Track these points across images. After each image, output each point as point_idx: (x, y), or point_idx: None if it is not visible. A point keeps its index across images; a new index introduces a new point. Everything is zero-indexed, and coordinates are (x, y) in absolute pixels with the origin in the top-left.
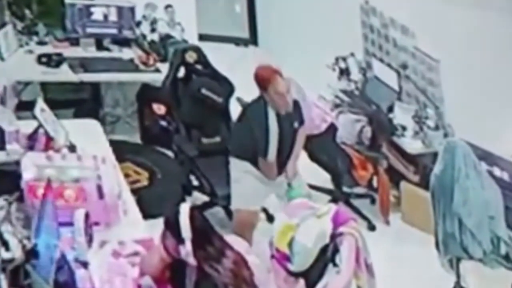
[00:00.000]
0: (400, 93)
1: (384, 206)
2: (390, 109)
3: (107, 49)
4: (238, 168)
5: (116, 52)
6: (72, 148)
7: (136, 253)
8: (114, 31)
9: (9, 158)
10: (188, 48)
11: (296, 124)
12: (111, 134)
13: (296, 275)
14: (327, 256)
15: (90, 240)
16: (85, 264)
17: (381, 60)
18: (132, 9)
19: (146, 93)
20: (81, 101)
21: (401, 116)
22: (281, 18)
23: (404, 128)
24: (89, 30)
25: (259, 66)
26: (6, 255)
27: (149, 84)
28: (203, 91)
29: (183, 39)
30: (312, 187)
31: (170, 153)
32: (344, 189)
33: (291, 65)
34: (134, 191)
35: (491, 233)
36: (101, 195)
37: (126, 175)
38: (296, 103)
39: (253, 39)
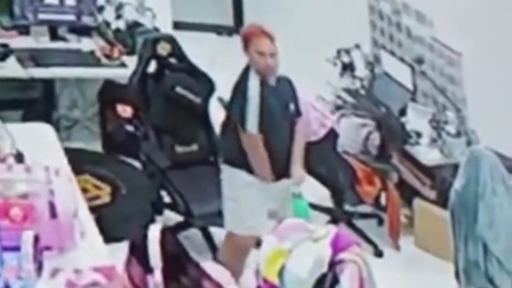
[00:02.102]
0: (414, 93)
1: (393, 228)
2: (403, 111)
3: (63, 39)
4: (233, 181)
5: (74, 43)
6: (19, 158)
7: (94, 284)
8: (71, 17)
9: None
10: (161, 38)
11: (292, 107)
12: (66, 141)
13: None
14: None
15: (39, 268)
16: None
17: (392, 53)
18: None
19: (110, 92)
20: (31, 101)
21: (416, 120)
22: (272, 3)
23: (419, 135)
24: (42, 16)
25: (248, 25)
26: None
27: (113, 81)
28: (178, 89)
29: (155, 27)
30: (309, 205)
31: (137, 164)
32: (346, 207)
33: (284, 58)
34: (93, 209)
35: None
36: (53, 214)
37: (84, 190)
38: (288, 82)
39: (238, 27)
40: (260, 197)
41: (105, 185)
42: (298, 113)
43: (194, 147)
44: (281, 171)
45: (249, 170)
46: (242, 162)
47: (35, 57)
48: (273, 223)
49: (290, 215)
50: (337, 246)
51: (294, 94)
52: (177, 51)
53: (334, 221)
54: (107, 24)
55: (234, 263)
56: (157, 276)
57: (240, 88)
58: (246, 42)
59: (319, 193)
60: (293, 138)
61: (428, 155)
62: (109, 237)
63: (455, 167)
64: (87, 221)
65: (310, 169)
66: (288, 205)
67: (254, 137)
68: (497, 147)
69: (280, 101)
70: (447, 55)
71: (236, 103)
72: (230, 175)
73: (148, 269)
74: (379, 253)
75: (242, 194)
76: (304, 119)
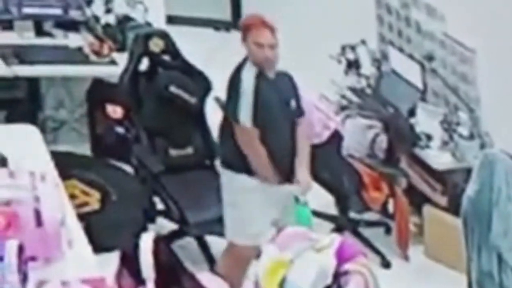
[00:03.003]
0: (424, 92)
1: (402, 236)
2: (412, 112)
3: (49, 35)
4: (233, 186)
5: (61, 39)
6: (2, 162)
7: None
8: (58, 11)
9: None
10: (153, 34)
11: (293, 104)
12: (53, 144)
13: None
14: None
15: (24, 279)
16: None
17: (401, 50)
18: None
19: (99, 92)
20: (15, 101)
21: (426, 121)
22: None
23: (429, 137)
24: (26, 10)
25: (248, 15)
26: None
27: (102, 79)
28: (172, 88)
29: (147, 22)
30: (311, 212)
31: (128, 169)
32: (351, 215)
33: (284, 55)
34: (81, 217)
35: None
36: (39, 222)
37: (72, 196)
38: (289, 78)
39: (236, 22)
40: (263, 203)
41: (94, 191)
42: (300, 111)
43: (189, 150)
44: (284, 174)
45: (250, 173)
46: (242, 165)
47: (19, 54)
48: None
49: (292, 222)
50: (341, 256)
51: (295, 90)
52: (170, 47)
53: (338, 229)
54: (96, 18)
55: (234, 276)
56: None
57: (234, 80)
58: (245, 33)
59: (322, 200)
60: (295, 138)
61: (439, 158)
62: (98, 247)
63: (468, 171)
64: (75, 229)
65: (313, 174)
66: (290, 212)
67: (248, 131)
68: None
69: (280, 96)
70: (459, 51)
71: (229, 96)
72: (229, 180)
73: (140, 281)
74: (386, 264)
75: (243, 200)
76: (306, 121)
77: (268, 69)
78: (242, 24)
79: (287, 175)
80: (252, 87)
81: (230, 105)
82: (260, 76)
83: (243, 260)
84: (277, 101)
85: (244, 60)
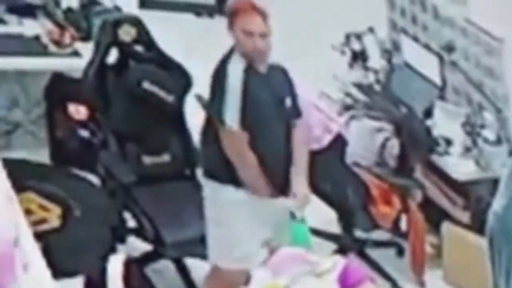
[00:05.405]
0: (443, 89)
1: (417, 259)
2: (428, 113)
3: (1, 22)
4: (217, 199)
5: (14, 26)
6: None
7: None
8: None
9: None
10: (123, 20)
11: (288, 102)
12: (5, 150)
13: None
14: None
15: None
16: None
17: (415, 39)
18: None
19: (59, 88)
20: None
21: (445, 123)
22: None
23: (448, 142)
24: None
25: None
26: None
27: (63, 74)
28: (145, 85)
29: (116, 6)
30: (310, 230)
31: (94, 179)
32: (357, 233)
33: (278, 45)
34: (39, 236)
35: None
36: None
37: (28, 212)
38: (283, 71)
39: (221, 7)
40: (252, 220)
41: (53, 205)
42: (297, 111)
43: (166, 157)
44: (277, 186)
45: (238, 184)
46: (228, 175)
47: None
48: (265, 253)
49: (286, 242)
50: (346, 282)
51: (290, 87)
52: (144, 36)
53: (342, 250)
54: (56, 2)
55: None
56: None
57: (219, 74)
58: (232, 19)
59: (323, 216)
60: (291, 143)
61: (460, 167)
62: (59, 271)
63: (495, 182)
64: (32, 250)
65: (312, 185)
66: (285, 231)
67: (236, 135)
68: None
69: (272, 94)
70: (484, 41)
71: (213, 93)
72: (213, 192)
73: None
74: None
75: (229, 216)
76: (304, 122)
77: (259, 61)
78: (228, 9)
79: (281, 187)
80: (240, 83)
81: (214, 104)
82: (249, 70)
83: (229, 287)
84: (269, 100)
85: (231, 51)
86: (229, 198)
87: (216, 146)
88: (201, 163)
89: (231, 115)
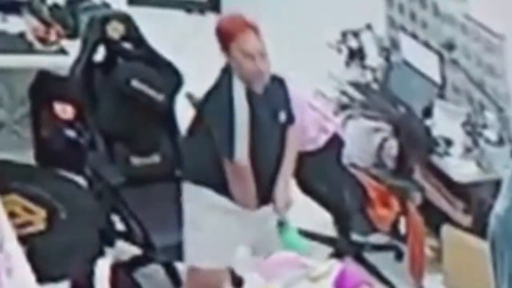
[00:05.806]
0: (443, 88)
1: (416, 263)
2: (427, 112)
3: None
4: (197, 201)
5: None
6: None
7: None
8: None
9: None
10: (112, 17)
11: (282, 117)
12: None
13: None
14: None
15: None
16: None
17: (414, 36)
18: None
19: (45, 87)
20: None
21: (445, 123)
22: None
23: (449, 143)
24: None
25: (224, 17)
26: None
27: (49, 72)
28: (134, 83)
29: (104, 2)
30: (305, 233)
31: (81, 181)
32: (354, 237)
33: (271, 43)
34: (23, 240)
35: None
36: None
37: (12, 215)
38: (280, 82)
39: (213, 3)
40: (231, 225)
41: (39, 208)
42: (290, 120)
43: (156, 158)
44: (264, 194)
45: (218, 189)
46: (209, 179)
47: None
48: (256, 258)
49: (276, 249)
50: (342, 286)
51: (286, 97)
52: (133, 33)
53: (338, 254)
54: None
55: None
56: None
57: (222, 100)
58: (226, 40)
59: (318, 218)
60: (283, 155)
61: (461, 169)
62: (44, 275)
63: (496, 184)
64: (16, 254)
65: (307, 187)
66: (272, 237)
67: (246, 169)
68: None
69: (269, 111)
70: (485, 38)
71: (217, 120)
72: (192, 196)
73: None
74: None
75: (207, 220)
76: (299, 123)
77: (258, 83)
78: (221, 28)
79: (267, 195)
80: (246, 112)
81: (221, 137)
82: (250, 94)
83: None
84: (267, 118)
85: (227, 72)
86: (206, 202)
87: (200, 147)
88: (183, 163)
89: (241, 150)
